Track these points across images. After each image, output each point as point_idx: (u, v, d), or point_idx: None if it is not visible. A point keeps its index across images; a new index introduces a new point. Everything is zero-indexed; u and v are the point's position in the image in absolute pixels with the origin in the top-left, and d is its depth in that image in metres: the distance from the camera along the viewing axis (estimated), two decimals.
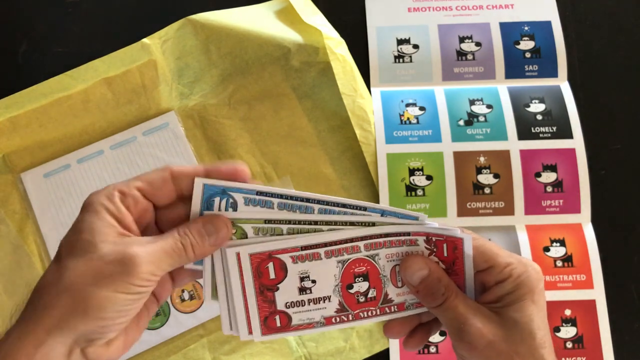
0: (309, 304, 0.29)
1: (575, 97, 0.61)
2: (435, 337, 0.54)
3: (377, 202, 0.58)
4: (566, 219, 0.58)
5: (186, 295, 0.56)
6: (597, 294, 0.55)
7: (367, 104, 0.60)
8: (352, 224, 0.28)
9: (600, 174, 0.59)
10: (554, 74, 0.63)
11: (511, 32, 0.64)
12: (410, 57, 0.63)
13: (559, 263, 0.56)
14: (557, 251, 0.57)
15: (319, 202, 0.28)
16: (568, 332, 0.54)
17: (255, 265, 0.28)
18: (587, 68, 0.63)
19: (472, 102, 0.61)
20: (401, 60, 0.63)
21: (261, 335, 0.29)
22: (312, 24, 0.60)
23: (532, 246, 0.57)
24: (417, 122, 0.60)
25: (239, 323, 0.28)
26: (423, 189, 0.58)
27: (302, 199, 0.27)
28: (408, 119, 0.60)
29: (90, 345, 0.26)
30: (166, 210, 0.30)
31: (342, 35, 0.62)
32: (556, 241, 0.57)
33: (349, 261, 0.29)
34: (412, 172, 0.59)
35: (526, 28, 0.64)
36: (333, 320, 0.30)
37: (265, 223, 0.28)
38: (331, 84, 0.60)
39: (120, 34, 0.62)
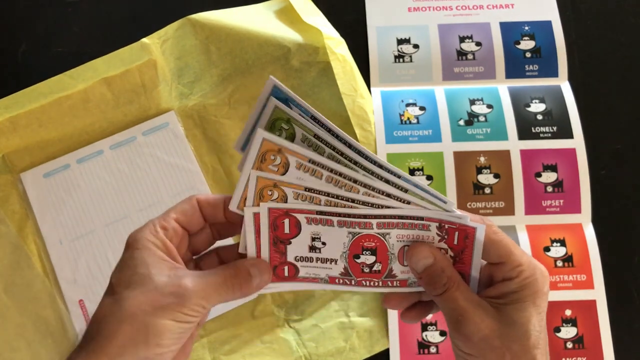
0: (317, 262, 0.30)
1: (576, 97, 0.61)
2: (436, 337, 0.54)
3: None
4: (566, 219, 0.58)
5: None
6: (598, 294, 0.55)
7: (367, 104, 0.60)
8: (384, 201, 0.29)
9: (600, 174, 0.59)
10: (554, 73, 0.63)
11: (511, 31, 0.64)
12: (411, 57, 0.63)
13: (559, 263, 0.56)
14: (557, 251, 0.57)
15: (365, 178, 0.29)
16: (568, 332, 0.54)
17: (272, 219, 0.29)
18: (587, 68, 0.63)
19: (472, 102, 0.61)
20: (401, 60, 0.63)
21: (271, 284, 0.31)
22: (312, 24, 0.60)
23: (532, 246, 0.57)
24: (417, 122, 0.60)
25: None
26: None
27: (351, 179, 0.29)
28: (408, 118, 0.60)
29: None
30: (195, 236, 0.33)
31: (342, 35, 0.62)
32: (556, 241, 0.57)
33: (359, 235, 0.30)
34: (412, 172, 0.58)
35: (526, 28, 0.64)
36: (336, 281, 0.31)
37: (305, 191, 0.29)
38: (331, 83, 0.60)
39: (120, 33, 0.62)
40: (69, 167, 0.59)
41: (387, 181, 0.30)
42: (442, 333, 0.54)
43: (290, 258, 0.30)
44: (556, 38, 0.63)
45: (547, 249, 0.57)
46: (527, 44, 0.63)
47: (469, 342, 0.30)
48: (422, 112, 0.61)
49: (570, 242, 0.57)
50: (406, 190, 0.30)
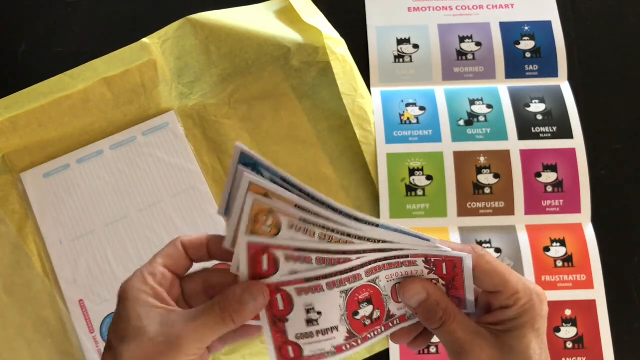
0: (318, 335, 0.29)
1: (576, 97, 0.61)
2: (436, 337, 0.54)
3: (378, 202, 0.58)
4: (566, 219, 0.58)
5: None
6: (598, 294, 0.55)
7: (367, 104, 0.60)
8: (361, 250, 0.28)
9: (600, 174, 0.59)
10: (554, 73, 0.63)
11: (511, 32, 0.64)
12: (411, 57, 0.63)
13: (559, 263, 0.56)
14: (557, 251, 0.57)
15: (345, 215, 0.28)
16: (568, 332, 0.54)
17: (252, 256, 0.28)
18: (587, 68, 0.63)
19: (472, 102, 0.61)
20: (401, 60, 0.63)
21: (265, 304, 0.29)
22: (312, 24, 0.60)
23: (532, 246, 0.57)
24: (417, 122, 0.60)
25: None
26: (423, 189, 0.58)
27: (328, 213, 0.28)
28: (408, 119, 0.60)
29: None
30: (186, 279, 0.33)
31: (342, 35, 0.62)
32: (556, 241, 0.57)
33: (352, 290, 0.29)
34: (412, 172, 0.58)
35: (526, 28, 0.64)
36: (343, 347, 0.30)
37: (299, 221, 0.28)
38: (331, 83, 0.60)
39: (120, 33, 0.62)
40: (69, 167, 0.59)
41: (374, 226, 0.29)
42: None
43: (291, 337, 0.29)
44: (556, 38, 0.63)
45: (547, 249, 0.57)
46: (527, 44, 0.63)
47: None
48: (422, 112, 0.61)
49: (570, 242, 0.57)
50: (395, 230, 0.29)
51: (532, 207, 0.58)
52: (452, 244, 0.31)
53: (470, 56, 0.63)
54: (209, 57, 0.62)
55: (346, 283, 0.29)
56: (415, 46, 0.64)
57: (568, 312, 0.55)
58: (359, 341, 0.30)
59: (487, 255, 0.31)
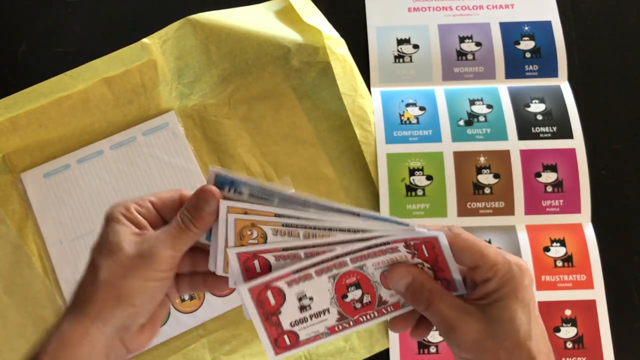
0: (311, 319, 0.32)
1: (576, 97, 0.61)
2: (435, 337, 0.54)
3: (378, 202, 0.58)
4: (566, 219, 0.58)
5: (186, 295, 0.56)
6: (597, 294, 0.55)
7: (367, 104, 0.60)
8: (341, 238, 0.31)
9: (600, 174, 0.59)
10: (554, 74, 0.63)
11: (511, 32, 0.64)
12: (410, 57, 0.63)
13: (559, 263, 0.56)
14: (557, 251, 0.57)
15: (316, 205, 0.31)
16: (568, 332, 0.54)
17: (256, 296, 0.31)
18: (587, 68, 0.63)
19: (472, 102, 0.61)
20: (401, 60, 0.63)
21: (275, 356, 0.32)
22: (312, 24, 0.60)
23: (532, 246, 0.57)
24: (417, 122, 0.60)
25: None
26: (423, 189, 0.58)
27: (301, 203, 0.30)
28: (408, 119, 0.60)
29: (126, 334, 0.31)
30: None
31: (342, 35, 0.62)
32: (556, 241, 0.57)
33: (339, 275, 0.31)
34: (412, 172, 0.58)
35: (526, 28, 0.64)
36: (336, 328, 0.32)
37: (283, 251, 0.31)
38: (331, 83, 0.60)
39: (120, 33, 0.62)
40: (69, 167, 0.59)
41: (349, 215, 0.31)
42: None
43: (286, 327, 0.31)
44: (556, 38, 0.63)
45: (547, 249, 0.57)
46: (527, 44, 0.63)
47: (462, 348, 0.31)
48: (422, 112, 0.61)
49: (570, 242, 0.57)
50: (375, 218, 0.31)
51: (532, 207, 0.58)
52: (430, 225, 0.32)
53: (470, 56, 0.63)
54: (209, 57, 0.62)
55: (333, 269, 0.31)
56: (415, 46, 0.64)
57: (568, 312, 0.55)
58: (351, 323, 0.32)
59: (464, 233, 0.32)
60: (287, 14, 0.63)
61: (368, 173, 0.59)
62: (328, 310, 0.32)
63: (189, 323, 0.55)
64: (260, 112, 0.62)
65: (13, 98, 0.59)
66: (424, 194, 0.58)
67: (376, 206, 0.58)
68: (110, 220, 0.32)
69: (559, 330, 0.54)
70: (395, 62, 0.63)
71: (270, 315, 0.31)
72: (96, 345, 0.30)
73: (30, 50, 0.64)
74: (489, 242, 0.57)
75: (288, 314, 0.31)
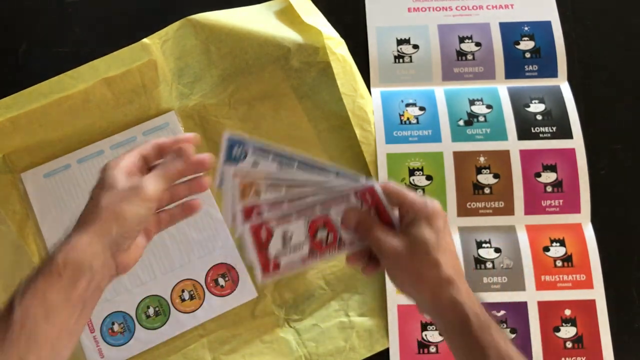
0: (290, 252, 0.42)
1: (575, 97, 0.61)
2: (435, 337, 0.54)
3: None
4: (566, 218, 0.58)
5: (186, 295, 0.56)
6: (597, 293, 0.56)
7: (367, 104, 0.60)
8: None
9: (600, 174, 0.60)
10: (553, 74, 0.63)
11: (511, 32, 0.64)
12: (410, 57, 0.63)
13: (559, 263, 0.56)
14: (557, 251, 0.57)
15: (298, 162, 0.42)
16: (568, 332, 0.55)
17: (253, 232, 0.42)
18: (587, 68, 0.63)
19: (472, 102, 0.61)
20: (401, 60, 0.63)
21: (262, 278, 0.42)
22: (312, 24, 0.60)
23: (531, 246, 0.57)
24: (417, 122, 0.60)
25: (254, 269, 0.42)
26: (423, 189, 0.58)
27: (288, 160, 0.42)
28: (408, 119, 0.61)
29: (117, 250, 0.39)
30: None
31: (342, 35, 0.62)
32: (556, 241, 0.57)
33: (311, 219, 0.42)
34: (412, 172, 0.59)
35: (526, 28, 0.64)
36: (308, 258, 0.42)
37: (272, 184, 0.42)
38: (331, 84, 0.60)
39: (120, 34, 0.62)
40: (69, 167, 0.59)
41: (323, 171, 0.42)
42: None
43: (272, 256, 0.42)
44: (555, 38, 0.63)
45: (546, 249, 0.57)
46: (526, 45, 0.63)
47: (388, 260, 0.40)
48: (422, 112, 0.61)
49: (569, 242, 0.57)
50: (337, 173, 0.42)
51: (532, 207, 0.58)
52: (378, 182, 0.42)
53: (470, 56, 0.63)
54: (209, 58, 0.62)
55: (307, 214, 0.42)
56: (415, 46, 0.64)
57: (567, 312, 0.55)
58: (318, 255, 0.43)
59: (393, 183, 0.42)
60: (287, 14, 0.63)
61: (368, 173, 0.59)
62: (302, 245, 0.42)
63: (189, 323, 0.55)
64: (260, 112, 0.62)
65: (13, 98, 0.59)
66: (423, 194, 0.58)
67: None
68: (106, 169, 0.40)
69: (558, 330, 0.54)
70: (395, 62, 0.63)
71: (262, 248, 0.42)
72: (97, 252, 0.37)
73: (31, 51, 0.64)
74: (489, 242, 0.57)
75: (274, 247, 0.42)
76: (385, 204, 0.41)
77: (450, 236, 0.40)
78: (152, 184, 0.40)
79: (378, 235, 0.40)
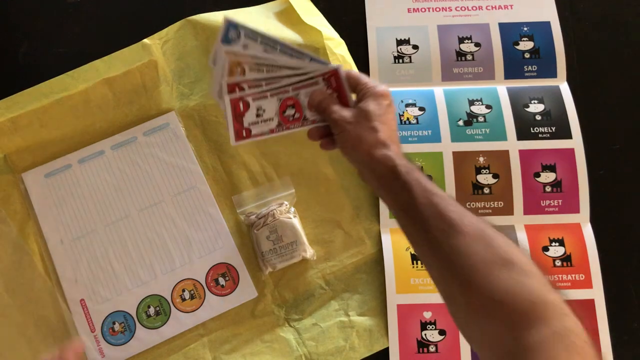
0: (262, 123, 0.49)
1: (575, 97, 0.61)
2: (435, 337, 0.55)
3: (377, 202, 0.59)
4: (565, 218, 0.58)
5: (187, 295, 0.56)
6: (596, 293, 0.56)
7: None
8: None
9: (599, 173, 0.60)
10: (553, 74, 0.63)
11: (510, 32, 0.64)
12: (410, 57, 0.63)
13: (558, 262, 0.57)
14: (556, 251, 0.57)
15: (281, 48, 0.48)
16: None
17: (232, 104, 0.48)
18: (586, 68, 0.63)
19: (471, 103, 0.61)
20: (401, 60, 0.63)
21: (235, 142, 0.49)
22: (312, 25, 0.60)
23: (531, 246, 0.57)
24: (417, 123, 0.60)
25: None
26: None
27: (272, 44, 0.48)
28: (408, 119, 0.61)
29: None
30: None
31: (342, 35, 0.62)
32: (555, 241, 0.57)
33: (283, 98, 0.49)
34: None
35: (525, 29, 0.64)
36: (275, 130, 0.50)
37: (255, 65, 0.48)
38: None
39: (121, 34, 0.62)
40: (70, 167, 0.59)
41: (300, 54, 0.48)
42: (442, 332, 0.55)
43: (245, 125, 0.49)
44: (555, 39, 0.64)
45: (545, 249, 0.57)
46: (526, 45, 0.64)
47: (339, 128, 0.46)
48: (422, 112, 0.61)
49: (568, 241, 0.57)
50: (311, 59, 0.48)
51: (531, 207, 0.58)
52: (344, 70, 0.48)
53: (469, 57, 0.63)
54: (208, 57, 0.62)
55: (280, 94, 0.49)
56: (415, 47, 0.64)
57: None
58: (284, 127, 0.50)
59: (353, 70, 0.50)
60: (288, 15, 0.63)
61: None
62: (272, 119, 0.49)
63: (189, 322, 0.55)
64: None
65: (14, 98, 0.59)
66: None
67: (376, 206, 0.59)
68: None
69: None
70: (395, 62, 0.63)
71: (238, 117, 0.48)
72: None
73: (32, 51, 0.64)
74: None
75: (248, 118, 0.49)
76: (345, 87, 0.48)
77: (393, 115, 0.47)
78: None
79: (333, 109, 0.47)
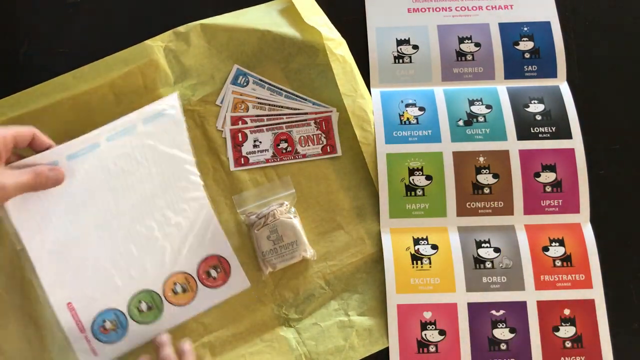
0: (258, 153, 0.58)
1: (575, 97, 0.61)
2: (435, 337, 0.55)
3: (377, 202, 0.59)
4: (565, 218, 0.58)
5: (179, 288, 0.56)
6: (596, 293, 0.56)
7: (367, 104, 0.60)
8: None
9: (599, 174, 0.60)
10: (553, 74, 0.63)
11: (510, 32, 0.64)
12: (410, 57, 0.63)
13: (558, 263, 0.57)
14: (556, 251, 0.57)
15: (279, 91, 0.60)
16: (567, 331, 0.55)
17: (233, 134, 0.58)
18: (586, 68, 0.63)
19: (471, 103, 0.61)
20: (401, 60, 0.63)
21: (234, 167, 0.58)
22: (312, 25, 0.60)
23: (531, 246, 0.57)
24: (417, 123, 0.60)
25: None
26: (423, 189, 0.58)
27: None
28: (408, 119, 0.61)
29: None
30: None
31: (342, 35, 0.62)
32: (555, 241, 0.57)
33: (277, 133, 0.59)
34: (411, 172, 0.59)
35: (525, 29, 0.64)
36: (270, 160, 0.58)
37: (258, 104, 0.60)
38: (331, 84, 0.60)
39: (122, 34, 0.62)
40: (57, 164, 0.55)
41: (295, 98, 0.59)
42: (442, 332, 0.55)
43: (244, 153, 0.58)
44: (555, 39, 0.64)
45: (545, 249, 0.57)
46: (526, 45, 0.64)
47: None
48: (422, 112, 0.61)
49: (569, 241, 0.57)
50: (313, 103, 0.59)
51: (531, 207, 0.58)
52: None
53: (469, 57, 0.63)
54: (210, 60, 0.62)
55: (275, 130, 0.59)
56: (415, 47, 0.64)
57: (567, 312, 0.55)
58: (277, 159, 0.58)
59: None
60: (289, 15, 0.63)
61: (368, 173, 0.59)
62: (268, 150, 0.59)
63: (184, 315, 0.55)
64: None
65: (15, 98, 0.59)
66: (423, 194, 0.58)
67: (376, 206, 0.59)
68: None
69: (557, 330, 0.55)
70: (395, 62, 0.63)
71: (237, 146, 0.58)
72: None
73: (32, 51, 0.64)
74: (488, 241, 0.57)
75: (246, 148, 0.58)
76: (334, 130, 0.58)
77: None
78: (15, 190, 0.47)
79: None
